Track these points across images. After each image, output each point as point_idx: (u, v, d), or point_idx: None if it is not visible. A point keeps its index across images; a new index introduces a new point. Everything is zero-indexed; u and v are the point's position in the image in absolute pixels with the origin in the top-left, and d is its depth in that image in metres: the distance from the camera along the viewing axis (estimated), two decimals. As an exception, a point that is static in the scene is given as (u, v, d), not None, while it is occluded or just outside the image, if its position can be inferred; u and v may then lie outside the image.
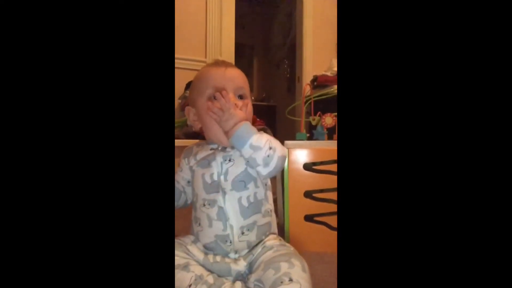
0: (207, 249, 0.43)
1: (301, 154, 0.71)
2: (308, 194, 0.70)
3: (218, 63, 0.48)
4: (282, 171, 0.77)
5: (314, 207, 0.68)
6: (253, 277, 0.37)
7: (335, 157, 0.69)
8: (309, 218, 0.68)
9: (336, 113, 0.85)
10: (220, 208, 0.41)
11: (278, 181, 0.87)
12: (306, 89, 0.93)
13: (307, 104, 0.98)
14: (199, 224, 0.43)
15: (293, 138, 0.77)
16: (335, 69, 1.45)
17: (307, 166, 0.70)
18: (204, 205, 0.43)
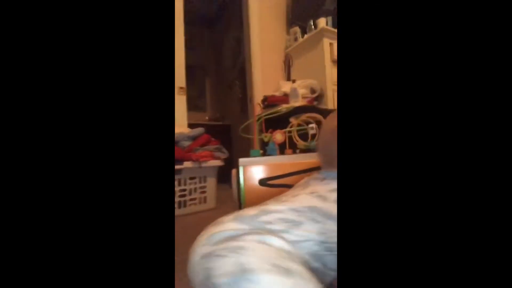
0: None
1: (256, 170, 0.73)
2: (265, 209, 0.71)
3: None
4: (238, 189, 0.77)
5: (271, 221, 0.70)
6: None
7: (287, 171, 0.73)
8: (267, 233, 0.69)
9: (285, 130, 0.90)
10: None
11: (235, 198, 0.87)
12: (257, 108, 0.98)
13: (259, 122, 1.02)
14: None
15: (248, 155, 0.79)
16: (283, 89, 1.56)
17: (262, 182, 0.73)
18: None
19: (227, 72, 2.85)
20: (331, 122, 0.58)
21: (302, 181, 0.49)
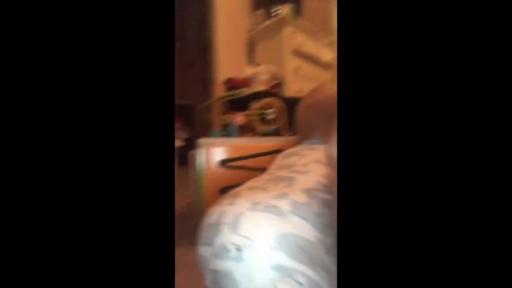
0: None
1: (217, 151, 0.75)
2: (224, 191, 0.73)
3: None
4: (195, 172, 0.78)
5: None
6: None
7: (247, 153, 0.76)
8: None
9: (245, 112, 0.93)
10: None
11: (193, 180, 0.88)
12: (219, 89, 0.98)
13: (220, 103, 1.02)
14: None
15: (208, 136, 0.79)
16: (245, 73, 1.57)
17: (222, 163, 0.74)
18: None
19: (187, 50, 2.70)
20: (309, 98, 0.60)
21: (287, 152, 0.49)
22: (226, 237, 0.30)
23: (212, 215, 0.34)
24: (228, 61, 1.85)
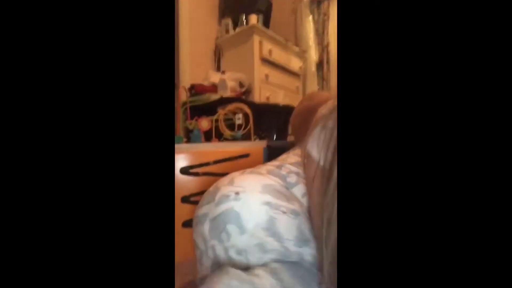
0: None
1: (177, 158, 0.68)
2: (185, 200, 0.66)
3: None
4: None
5: (192, 212, 0.65)
6: None
7: (213, 159, 0.70)
8: (187, 224, 0.65)
9: (212, 117, 0.87)
10: None
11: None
12: (182, 93, 0.91)
13: (183, 108, 0.95)
14: None
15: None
16: (212, 79, 1.51)
17: (184, 170, 0.67)
18: None
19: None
20: (300, 104, 0.67)
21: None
22: (225, 190, 0.41)
23: (209, 191, 0.45)
24: (193, 68, 1.79)
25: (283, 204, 0.40)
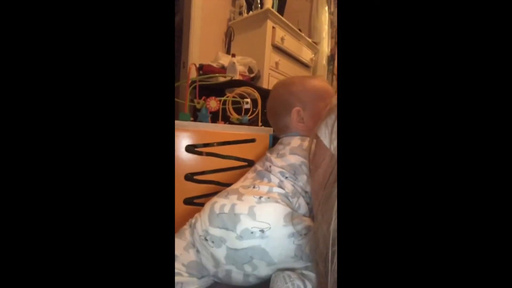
0: None
1: (183, 136, 0.67)
2: (189, 177, 0.66)
3: None
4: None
5: (194, 189, 0.66)
6: None
7: (218, 140, 0.70)
8: (188, 201, 0.65)
9: (220, 98, 0.86)
10: None
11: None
12: (192, 69, 0.89)
13: (192, 86, 0.94)
14: None
15: (176, 118, 0.71)
16: (221, 61, 1.49)
17: (189, 148, 0.67)
18: None
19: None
20: (276, 92, 0.66)
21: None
22: (247, 224, 0.41)
23: (221, 207, 0.44)
24: (204, 47, 1.75)
25: (302, 227, 0.41)
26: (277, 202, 0.44)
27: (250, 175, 0.53)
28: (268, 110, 0.69)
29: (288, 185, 0.47)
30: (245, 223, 0.41)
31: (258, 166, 0.55)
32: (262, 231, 0.40)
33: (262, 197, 0.44)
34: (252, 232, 0.40)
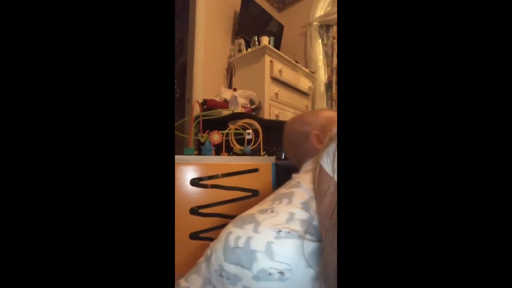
0: None
1: (188, 169, 0.69)
2: (194, 211, 0.67)
3: None
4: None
5: (199, 223, 0.66)
6: None
7: (222, 171, 0.71)
8: (194, 236, 0.65)
9: (222, 131, 0.89)
10: None
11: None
12: (195, 106, 0.94)
13: (196, 122, 0.98)
14: None
15: (182, 153, 0.74)
16: (223, 95, 1.56)
17: (194, 182, 0.69)
18: None
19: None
20: (292, 127, 0.67)
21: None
22: (265, 263, 0.37)
23: (236, 240, 0.40)
24: (206, 83, 1.85)
25: (320, 261, 0.37)
26: (298, 237, 0.38)
27: (270, 197, 0.50)
28: (285, 144, 0.70)
29: (313, 204, 0.43)
30: (262, 263, 0.37)
31: (280, 189, 0.51)
32: (281, 273, 0.36)
33: (281, 231, 0.39)
34: (270, 274, 0.36)
